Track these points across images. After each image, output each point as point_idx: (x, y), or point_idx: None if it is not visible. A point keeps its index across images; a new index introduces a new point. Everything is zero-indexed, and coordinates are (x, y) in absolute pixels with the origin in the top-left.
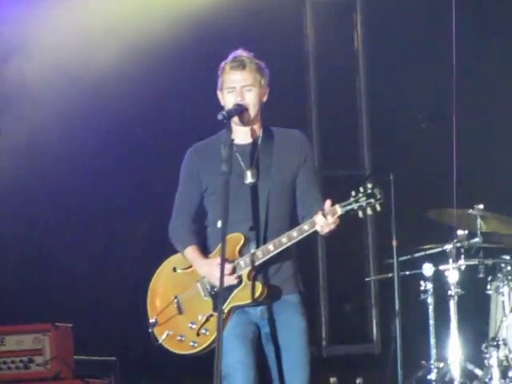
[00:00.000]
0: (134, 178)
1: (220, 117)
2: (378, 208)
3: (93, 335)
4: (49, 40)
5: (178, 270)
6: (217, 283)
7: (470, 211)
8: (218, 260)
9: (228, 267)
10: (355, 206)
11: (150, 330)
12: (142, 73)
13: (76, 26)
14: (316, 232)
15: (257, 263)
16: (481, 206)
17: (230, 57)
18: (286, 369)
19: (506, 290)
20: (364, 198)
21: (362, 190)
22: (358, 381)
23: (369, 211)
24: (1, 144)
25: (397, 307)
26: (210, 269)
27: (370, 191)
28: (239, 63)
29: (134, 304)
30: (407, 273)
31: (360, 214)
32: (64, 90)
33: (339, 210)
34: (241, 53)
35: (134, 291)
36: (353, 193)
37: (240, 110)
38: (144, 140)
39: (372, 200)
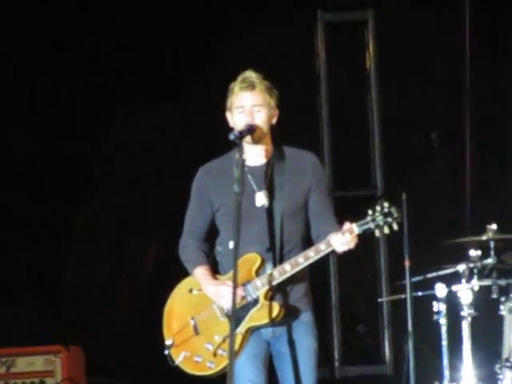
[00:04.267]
0: (146, 195)
1: (232, 137)
2: (395, 227)
3: (104, 357)
4: None
5: (194, 292)
6: (223, 305)
7: (484, 237)
8: (226, 281)
9: (239, 293)
10: (372, 224)
11: (166, 352)
12: None
13: None
14: (328, 253)
15: (274, 283)
16: (494, 227)
17: (240, 77)
18: None
19: None
20: (381, 217)
21: (378, 208)
22: None
23: (386, 230)
24: None
25: (409, 328)
26: (217, 290)
27: (386, 210)
28: (249, 84)
29: (146, 326)
30: (420, 293)
31: (377, 232)
32: None
33: (356, 228)
34: (250, 74)
35: (146, 312)
36: (370, 211)
37: (251, 130)
38: (154, 158)
39: (389, 219)
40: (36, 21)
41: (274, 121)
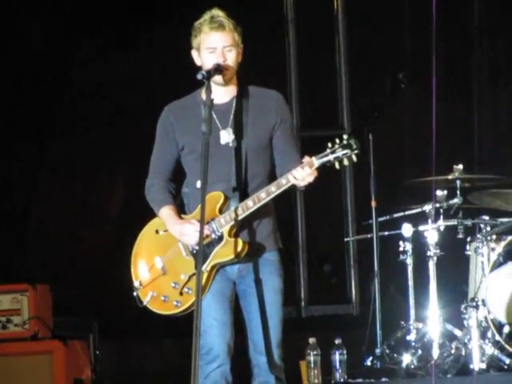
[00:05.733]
0: (111, 136)
1: (200, 76)
2: (355, 158)
3: (71, 296)
4: None
5: (161, 232)
6: (188, 243)
7: (450, 177)
8: (191, 220)
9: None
10: (331, 157)
11: (134, 293)
12: None
13: None
14: (295, 193)
15: (238, 219)
16: (460, 167)
17: (207, 16)
18: (258, 327)
19: (485, 250)
20: (340, 149)
21: (337, 141)
22: (336, 341)
23: (345, 162)
24: None
25: (376, 268)
26: (181, 228)
27: (345, 142)
28: (218, 24)
29: (112, 264)
30: (386, 233)
31: (337, 165)
32: None
33: (315, 161)
34: (217, 12)
35: (112, 251)
36: (329, 144)
37: (220, 70)
38: (118, 96)
39: (348, 151)
40: None
41: (240, 58)
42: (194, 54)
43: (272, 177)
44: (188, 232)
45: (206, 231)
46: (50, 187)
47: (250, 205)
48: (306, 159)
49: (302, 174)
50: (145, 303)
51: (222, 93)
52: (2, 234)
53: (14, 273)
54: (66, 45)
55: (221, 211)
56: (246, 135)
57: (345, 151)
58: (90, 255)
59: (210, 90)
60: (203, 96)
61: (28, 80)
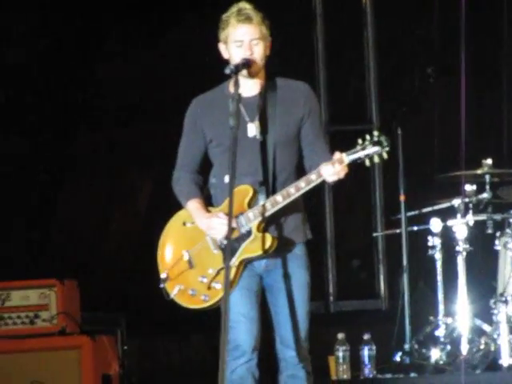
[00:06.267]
0: (138, 130)
1: (228, 71)
2: (385, 156)
3: (99, 291)
4: None
5: (188, 225)
6: (215, 237)
7: (479, 171)
8: (218, 213)
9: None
10: (362, 154)
11: (161, 286)
12: None
13: None
14: (323, 186)
15: (266, 215)
16: (489, 161)
17: (234, 9)
18: (285, 320)
19: None
20: (371, 146)
21: (368, 138)
22: (365, 336)
23: (376, 159)
24: None
25: (404, 262)
26: (208, 222)
27: (376, 139)
28: (246, 16)
29: (139, 259)
30: (415, 228)
31: (367, 162)
32: None
33: (346, 158)
34: (244, 5)
35: (139, 246)
36: (359, 141)
37: (248, 65)
38: (146, 92)
39: (379, 148)
40: None
41: (268, 52)
42: (221, 46)
43: (299, 168)
44: (215, 226)
45: (235, 225)
46: (77, 183)
47: (279, 200)
48: (337, 155)
49: (333, 171)
50: (172, 296)
51: (250, 86)
52: (29, 229)
53: (41, 268)
54: (89, 42)
55: (249, 205)
56: (274, 128)
57: (375, 148)
58: (117, 250)
59: (239, 85)
60: (231, 89)
61: (54, 77)
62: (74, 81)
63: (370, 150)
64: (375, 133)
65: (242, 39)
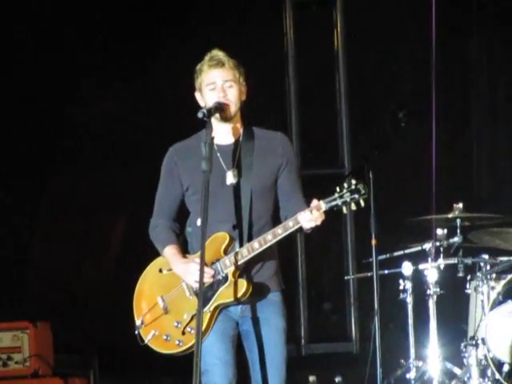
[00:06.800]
0: (112, 175)
1: (200, 115)
2: (362, 203)
3: (72, 333)
4: None
5: (164, 271)
6: (192, 282)
7: (450, 215)
8: (195, 259)
9: (208, 272)
10: (339, 201)
11: (136, 332)
12: None
13: None
14: (297, 231)
15: (242, 261)
16: (460, 205)
17: (207, 57)
18: (262, 367)
19: (485, 289)
20: (348, 194)
21: (346, 185)
22: (336, 379)
23: (353, 207)
24: None
25: (376, 306)
26: (185, 267)
27: (354, 187)
28: (218, 61)
29: (113, 302)
30: (386, 272)
31: (344, 209)
32: None
33: (323, 205)
34: (217, 52)
35: (113, 290)
36: (337, 188)
37: (221, 108)
38: (122, 136)
39: (356, 195)
40: None
41: (244, 97)
42: (197, 95)
43: (275, 218)
44: (192, 271)
45: (211, 272)
46: (51, 225)
47: (256, 246)
48: (314, 202)
49: (310, 217)
50: (146, 341)
51: (227, 133)
52: (2, 272)
53: (14, 310)
54: (65, 81)
55: (226, 252)
56: (251, 177)
57: (353, 196)
58: (91, 293)
59: (211, 129)
60: (205, 135)
61: (28, 118)
62: (46, 121)
63: (347, 198)
64: (353, 181)
65: (215, 81)
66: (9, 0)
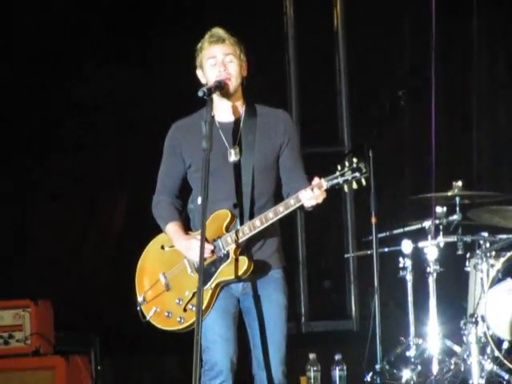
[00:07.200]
0: (113, 151)
1: (200, 93)
2: (363, 182)
3: (73, 311)
4: None
5: (166, 248)
6: (194, 258)
7: (449, 193)
8: (197, 235)
9: (208, 247)
10: (341, 179)
11: (137, 308)
12: None
13: None
14: (297, 209)
15: (243, 239)
16: (459, 183)
17: (207, 34)
18: (263, 343)
19: (484, 266)
20: (349, 172)
21: (347, 164)
22: (336, 357)
23: (354, 185)
24: None
25: (376, 284)
26: (187, 244)
27: (355, 165)
28: (218, 38)
29: (114, 279)
30: (386, 249)
31: (345, 187)
32: None
33: (325, 183)
34: (217, 29)
35: (114, 266)
36: (338, 167)
37: (221, 87)
38: (126, 115)
39: (357, 174)
40: None
41: (245, 73)
42: (198, 73)
43: (277, 195)
44: (194, 247)
45: (211, 247)
46: (52, 202)
47: (258, 224)
48: (316, 180)
49: (311, 195)
50: (148, 318)
51: (228, 110)
52: (2, 249)
53: (15, 288)
54: (67, 61)
55: (227, 229)
56: (253, 154)
57: (354, 174)
58: (92, 270)
59: (211, 107)
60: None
61: (28, 97)
62: (46, 100)
63: (348, 176)
64: (354, 159)
65: (215, 55)
66: None
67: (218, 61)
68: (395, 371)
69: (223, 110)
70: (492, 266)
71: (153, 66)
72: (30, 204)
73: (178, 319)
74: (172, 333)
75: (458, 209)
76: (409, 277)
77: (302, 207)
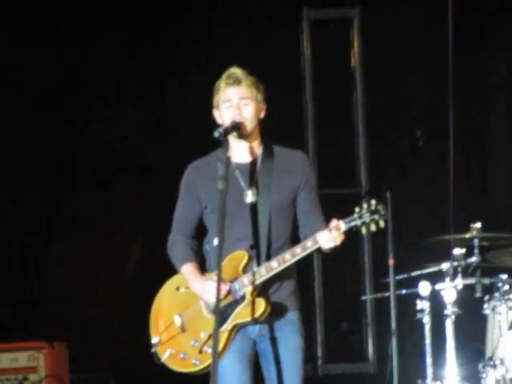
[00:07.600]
0: (133, 192)
1: (216, 134)
2: (382, 224)
3: (88, 353)
4: None
5: (182, 289)
6: (210, 300)
7: (468, 235)
8: (212, 277)
9: (224, 289)
10: (359, 222)
11: (152, 350)
12: None
13: None
14: (314, 251)
15: (260, 280)
16: (478, 225)
17: (225, 74)
18: None
19: (503, 309)
20: (368, 214)
21: (365, 206)
22: None
23: (372, 227)
24: None
25: (393, 326)
26: (203, 285)
27: (373, 207)
28: (235, 79)
29: (130, 321)
30: (404, 292)
31: (363, 230)
32: None
33: (343, 225)
34: (235, 69)
35: (130, 308)
36: (357, 209)
37: (237, 127)
38: (143, 154)
39: (376, 216)
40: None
41: (262, 115)
42: (215, 113)
43: (294, 237)
44: (210, 289)
45: (226, 288)
46: (66, 244)
47: (275, 266)
48: (334, 222)
49: (329, 237)
50: (163, 360)
51: (245, 151)
52: (19, 291)
53: (30, 330)
54: (80, 97)
55: (244, 271)
56: (270, 195)
57: (372, 217)
58: (107, 312)
59: (227, 148)
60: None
61: (43, 135)
62: (61, 137)
63: (367, 218)
64: (373, 201)
65: (230, 98)
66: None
67: (234, 104)
68: None
69: (240, 151)
70: (510, 308)
71: (167, 105)
72: (45, 246)
73: (194, 361)
74: (187, 375)
75: (476, 251)
76: (426, 319)
77: (319, 249)
